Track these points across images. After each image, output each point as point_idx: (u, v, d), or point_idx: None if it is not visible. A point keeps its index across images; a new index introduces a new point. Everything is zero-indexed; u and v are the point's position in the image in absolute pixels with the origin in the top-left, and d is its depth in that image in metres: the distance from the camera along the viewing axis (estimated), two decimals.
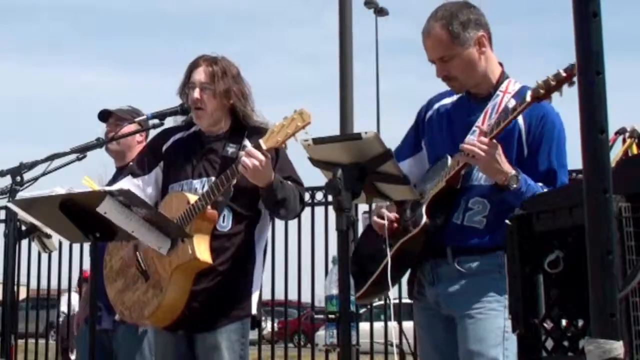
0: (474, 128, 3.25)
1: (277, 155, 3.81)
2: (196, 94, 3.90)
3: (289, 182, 3.83)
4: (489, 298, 3.14)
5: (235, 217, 3.88)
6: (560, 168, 3.24)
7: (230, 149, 3.90)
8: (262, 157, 3.61)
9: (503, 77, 3.34)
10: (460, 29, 3.23)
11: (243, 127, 3.95)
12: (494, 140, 3.11)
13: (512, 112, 3.10)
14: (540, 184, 3.15)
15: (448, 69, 3.27)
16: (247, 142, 3.87)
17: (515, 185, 3.09)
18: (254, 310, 3.91)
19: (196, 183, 3.92)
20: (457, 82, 3.30)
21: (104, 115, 4.85)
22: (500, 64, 3.36)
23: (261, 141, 3.65)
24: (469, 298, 3.18)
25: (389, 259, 3.09)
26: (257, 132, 3.88)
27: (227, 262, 3.85)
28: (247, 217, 3.91)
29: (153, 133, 4.88)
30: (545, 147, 3.23)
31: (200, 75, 3.92)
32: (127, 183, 3.97)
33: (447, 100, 3.43)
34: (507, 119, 3.11)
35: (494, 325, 3.09)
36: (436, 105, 3.44)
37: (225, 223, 3.87)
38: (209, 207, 3.77)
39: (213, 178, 3.86)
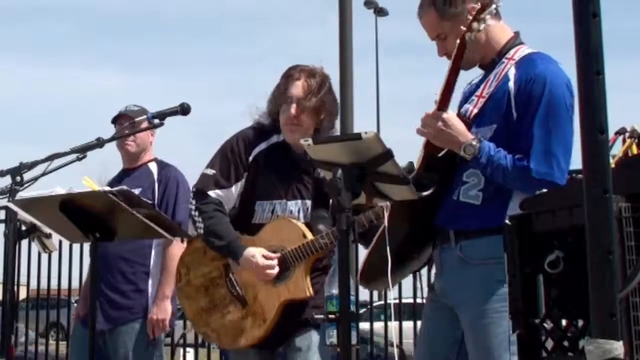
0: (472, 97, 3.14)
1: None
2: (293, 110, 3.77)
3: None
4: (492, 297, 2.99)
5: None
6: (546, 134, 2.96)
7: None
8: None
9: (512, 43, 3.17)
10: (447, 4, 3.12)
11: None
12: (439, 111, 2.98)
13: None
14: (518, 155, 2.97)
15: (446, 47, 3.15)
16: None
17: (469, 155, 2.97)
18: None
19: (291, 205, 3.83)
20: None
21: (116, 119, 4.85)
22: (517, 33, 3.20)
23: None
24: (472, 296, 3.04)
25: (388, 256, 3.07)
26: None
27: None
28: None
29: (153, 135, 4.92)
30: (529, 112, 3.00)
31: (297, 89, 3.79)
32: (214, 195, 3.84)
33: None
34: None
35: (499, 329, 2.95)
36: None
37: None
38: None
39: (308, 201, 3.82)
